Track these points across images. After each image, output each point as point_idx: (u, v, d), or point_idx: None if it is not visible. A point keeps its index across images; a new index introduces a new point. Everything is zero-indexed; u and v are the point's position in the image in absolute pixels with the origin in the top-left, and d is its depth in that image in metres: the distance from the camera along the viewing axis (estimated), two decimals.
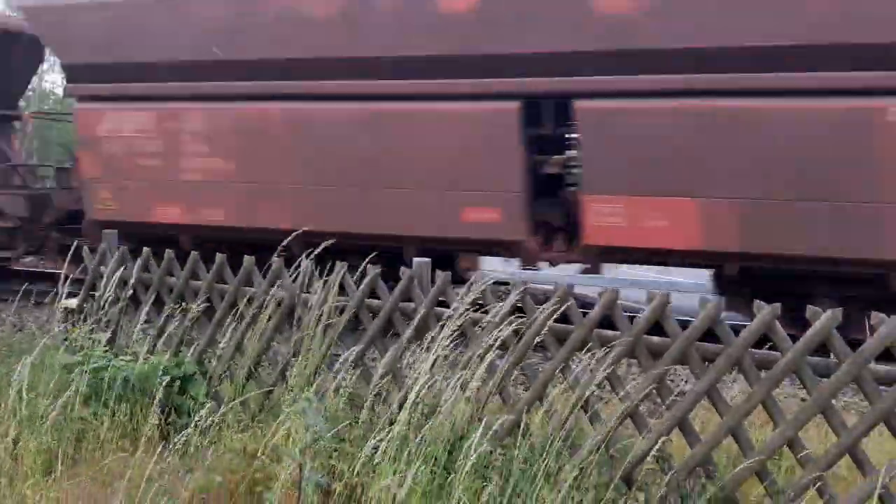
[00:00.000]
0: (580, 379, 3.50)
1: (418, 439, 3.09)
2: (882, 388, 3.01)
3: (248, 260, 4.45)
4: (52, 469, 3.57)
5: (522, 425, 3.34)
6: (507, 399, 3.68)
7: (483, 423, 3.29)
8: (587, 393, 3.41)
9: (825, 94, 5.86)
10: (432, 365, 3.32)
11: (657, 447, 3.24)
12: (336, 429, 3.23)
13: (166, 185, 7.98)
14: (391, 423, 3.18)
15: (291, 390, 3.87)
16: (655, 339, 3.43)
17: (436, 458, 3.28)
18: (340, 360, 3.90)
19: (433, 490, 2.94)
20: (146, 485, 3.08)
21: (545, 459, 3.31)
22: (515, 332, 3.65)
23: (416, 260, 4.12)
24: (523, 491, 2.98)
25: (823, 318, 3.06)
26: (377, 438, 2.88)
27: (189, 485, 3.44)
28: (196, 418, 3.47)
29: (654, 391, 3.40)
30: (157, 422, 3.80)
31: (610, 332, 3.53)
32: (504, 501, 2.94)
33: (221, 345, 4.34)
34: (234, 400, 3.94)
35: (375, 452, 3.02)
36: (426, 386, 3.19)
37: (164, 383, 3.83)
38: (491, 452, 3.21)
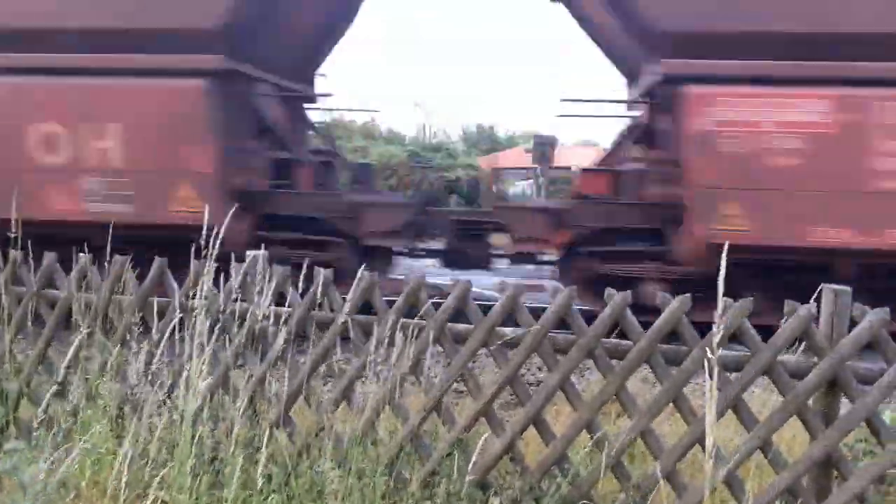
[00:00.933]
0: (430, 377, 3.25)
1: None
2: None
3: (48, 256, 3.80)
4: None
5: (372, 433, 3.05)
6: (353, 405, 3.37)
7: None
8: (439, 392, 3.17)
9: None
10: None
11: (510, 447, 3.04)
12: None
13: None
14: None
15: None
16: (508, 329, 3.23)
17: (271, 477, 2.94)
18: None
19: None
20: None
21: (394, 469, 3.05)
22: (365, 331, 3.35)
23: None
24: None
25: (673, 305, 2.96)
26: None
27: None
28: None
29: (510, 387, 3.22)
30: None
31: (462, 326, 3.30)
32: None
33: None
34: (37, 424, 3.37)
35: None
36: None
37: None
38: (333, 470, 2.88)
